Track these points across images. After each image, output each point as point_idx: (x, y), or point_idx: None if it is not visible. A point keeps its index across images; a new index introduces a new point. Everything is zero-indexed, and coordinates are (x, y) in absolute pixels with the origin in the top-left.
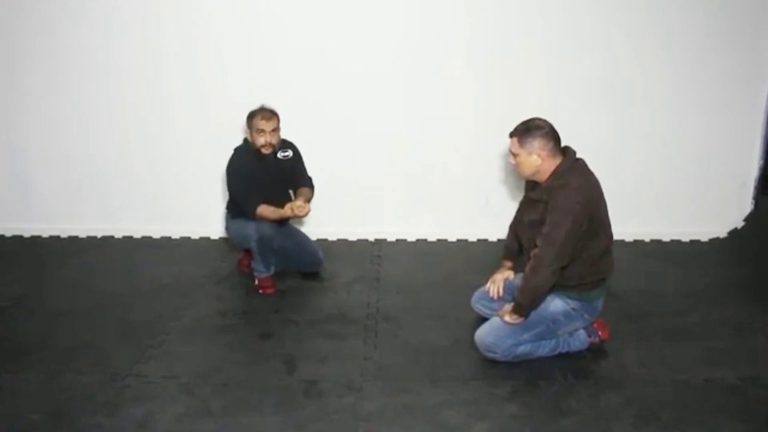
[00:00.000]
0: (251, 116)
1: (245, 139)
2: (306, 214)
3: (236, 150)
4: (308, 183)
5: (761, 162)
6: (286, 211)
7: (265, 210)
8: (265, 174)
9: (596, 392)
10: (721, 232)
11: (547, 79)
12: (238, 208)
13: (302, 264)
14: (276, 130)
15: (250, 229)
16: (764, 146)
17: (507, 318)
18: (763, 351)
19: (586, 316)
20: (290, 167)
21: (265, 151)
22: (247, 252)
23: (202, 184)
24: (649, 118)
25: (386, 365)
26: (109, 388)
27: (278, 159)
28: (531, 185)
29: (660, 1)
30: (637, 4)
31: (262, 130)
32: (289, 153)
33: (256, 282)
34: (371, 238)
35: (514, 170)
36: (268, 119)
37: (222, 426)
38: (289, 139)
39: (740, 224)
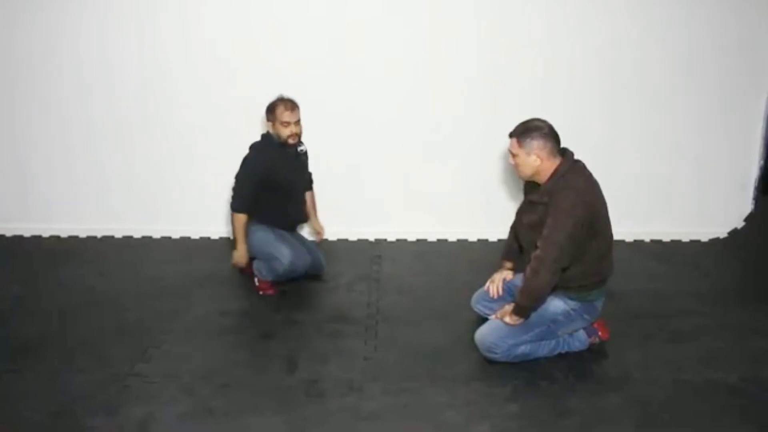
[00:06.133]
0: (273, 108)
1: (263, 135)
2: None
3: (254, 147)
4: (311, 183)
5: (761, 162)
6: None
7: (239, 221)
8: (289, 167)
9: (597, 392)
10: (721, 232)
11: (548, 80)
12: (264, 213)
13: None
14: (299, 120)
15: (283, 251)
16: (764, 146)
17: (507, 319)
18: (764, 351)
19: (586, 316)
20: (306, 162)
21: (292, 141)
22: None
23: (202, 184)
24: (650, 118)
25: (386, 365)
26: (110, 388)
27: (298, 152)
28: (530, 187)
29: (660, 1)
30: (638, 5)
31: (288, 122)
32: (305, 148)
33: (257, 283)
34: (371, 238)
35: (514, 170)
36: (292, 110)
37: (223, 426)
38: None
39: (740, 224)
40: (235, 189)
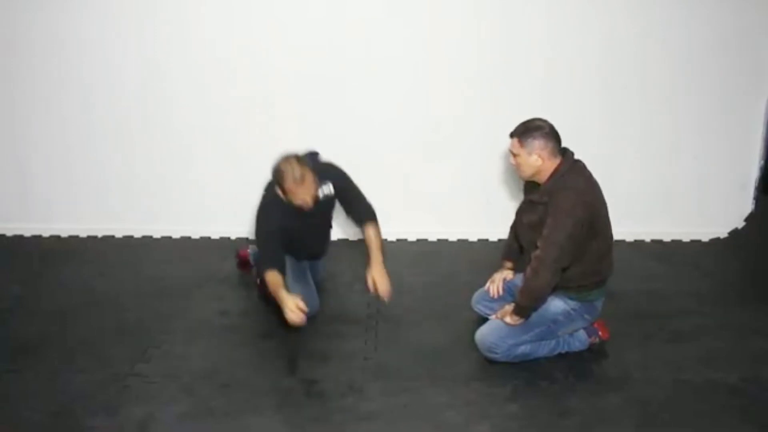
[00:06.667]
0: (281, 178)
1: (274, 187)
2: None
3: (265, 198)
4: (366, 214)
5: (761, 162)
6: (288, 307)
7: (273, 279)
8: (303, 223)
9: (597, 392)
10: (722, 232)
11: (548, 80)
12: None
13: None
14: (313, 182)
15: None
16: (764, 146)
17: (508, 319)
18: (764, 351)
19: (586, 316)
20: (332, 203)
21: (306, 207)
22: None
23: (202, 184)
24: (650, 118)
25: (386, 365)
26: (110, 388)
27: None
28: (530, 187)
29: (660, 1)
30: (638, 5)
31: (299, 195)
32: (329, 188)
33: (258, 282)
34: None
35: (514, 170)
36: (302, 182)
37: (223, 426)
38: (292, 138)
39: (740, 224)
40: (260, 253)
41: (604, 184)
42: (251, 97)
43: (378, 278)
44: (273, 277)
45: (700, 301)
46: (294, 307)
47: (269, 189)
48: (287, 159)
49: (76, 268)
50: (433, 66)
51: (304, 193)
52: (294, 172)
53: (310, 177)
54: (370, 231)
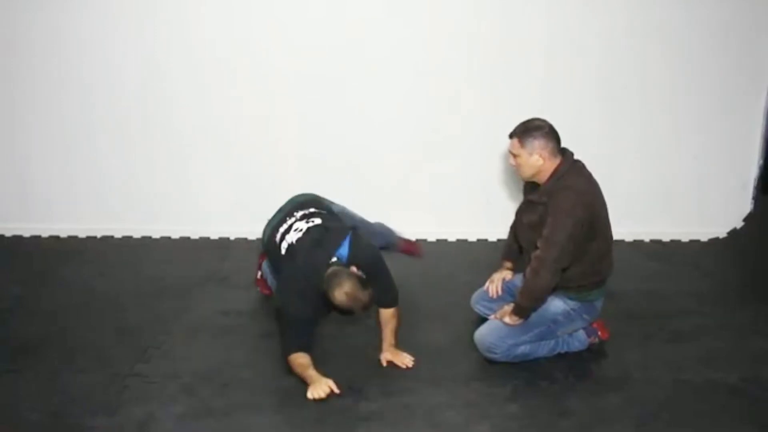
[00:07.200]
0: (341, 304)
1: (312, 266)
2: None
3: (300, 276)
4: (390, 303)
5: (761, 162)
6: (321, 389)
7: (301, 360)
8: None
9: (597, 392)
10: (721, 232)
11: (548, 80)
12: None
13: None
14: (371, 300)
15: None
16: (764, 146)
17: (507, 319)
18: (764, 351)
19: (585, 316)
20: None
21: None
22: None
23: (202, 184)
24: (649, 117)
25: (386, 365)
26: (110, 388)
27: None
28: (529, 187)
29: (660, 1)
30: (638, 5)
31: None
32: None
33: (258, 276)
34: None
35: (514, 171)
36: (362, 308)
37: (223, 426)
38: (292, 138)
39: (740, 224)
40: (286, 336)
41: (604, 184)
42: (251, 97)
43: (394, 358)
44: (300, 359)
45: (700, 301)
46: (327, 390)
47: (302, 275)
48: (353, 292)
49: (75, 268)
50: (433, 66)
51: (357, 310)
52: (357, 305)
53: (369, 299)
54: (387, 313)
